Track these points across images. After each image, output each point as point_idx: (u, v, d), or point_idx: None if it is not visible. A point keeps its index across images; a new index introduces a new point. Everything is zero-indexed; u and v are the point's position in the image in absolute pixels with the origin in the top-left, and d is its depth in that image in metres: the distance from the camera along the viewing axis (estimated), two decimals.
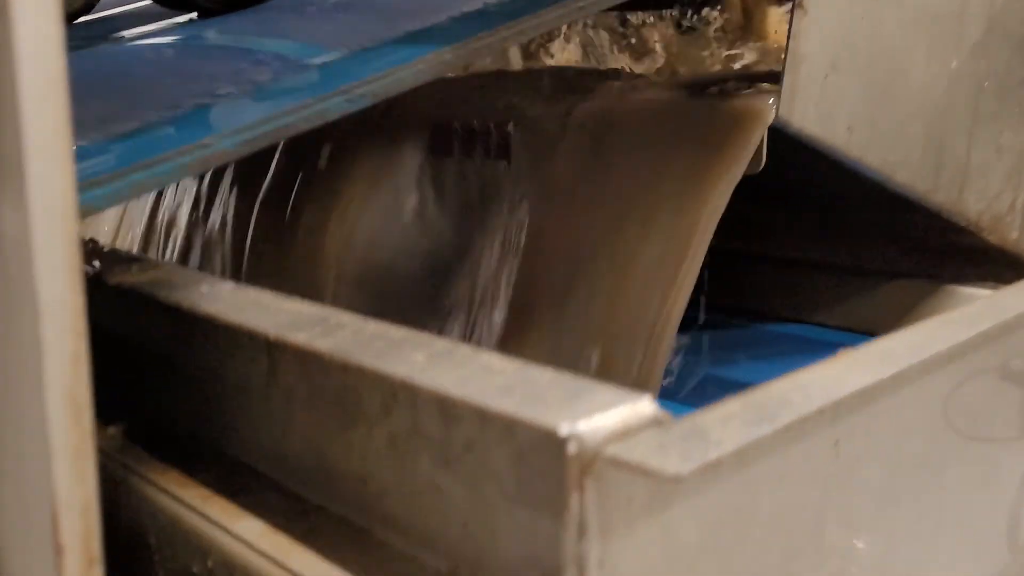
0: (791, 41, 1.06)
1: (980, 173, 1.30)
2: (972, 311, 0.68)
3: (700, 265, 0.99)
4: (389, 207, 1.23)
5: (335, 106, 0.73)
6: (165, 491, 0.67)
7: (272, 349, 0.62)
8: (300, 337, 0.55)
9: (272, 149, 1.26)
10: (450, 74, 1.30)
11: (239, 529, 0.62)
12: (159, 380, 0.79)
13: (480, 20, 0.90)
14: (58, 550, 0.36)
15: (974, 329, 0.63)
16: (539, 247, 1.07)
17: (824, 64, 1.11)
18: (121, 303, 0.74)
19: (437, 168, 1.20)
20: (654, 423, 0.44)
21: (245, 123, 0.68)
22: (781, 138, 1.07)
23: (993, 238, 1.36)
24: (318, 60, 0.80)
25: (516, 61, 1.51)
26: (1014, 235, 1.38)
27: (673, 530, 0.45)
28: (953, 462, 0.67)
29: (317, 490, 0.66)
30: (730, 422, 0.44)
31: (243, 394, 0.71)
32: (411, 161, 1.22)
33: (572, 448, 0.40)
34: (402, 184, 1.23)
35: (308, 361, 0.59)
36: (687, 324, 1.19)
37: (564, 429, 0.41)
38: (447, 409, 0.51)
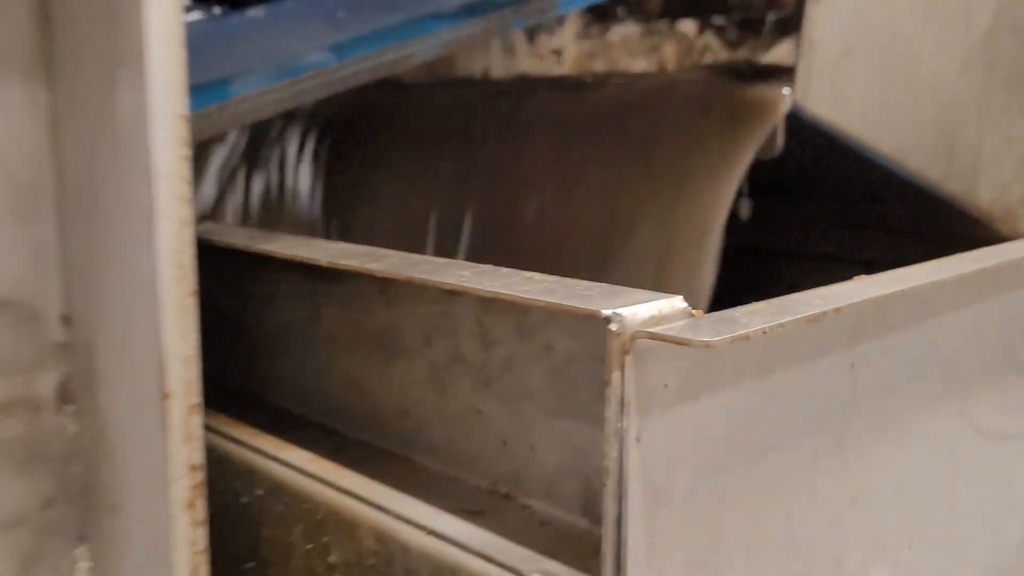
0: (805, 27, 1.10)
1: (992, 163, 1.33)
2: (974, 255, 0.72)
3: (722, 230, 1.03)
4: None
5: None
6: (214, 430, 0.71)
7: (318, 282, 0.66)
8: (351, 262, 0.59)
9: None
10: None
11: (287, 457, 0.66)
12: (211, 335, 0.82)
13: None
14: (164, 396, 0.40)
15: (976, 265, 0.66)
16: (579, 212, 1.11)
17: (837, 49, 1.15)
18: None
19: None
20: (686, 314, 0.47)
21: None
22: (800, 135, 1.11)
23: (1004, 229, 1.39)
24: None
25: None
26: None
27: (702, 416, 0.48)
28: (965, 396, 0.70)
29: (358, 426, 0.69)
30: (756, 314, 0.47)
31: (287, 338, 0.75)
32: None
33: (614, 326, 0.44)
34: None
35: (354, 293, 0.63)
36: None
37: (606, 311, 0.44)
38: (493, 316, 0.54)
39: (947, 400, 0.71)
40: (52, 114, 0.43)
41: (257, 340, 0.78)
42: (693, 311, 0.48)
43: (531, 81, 1.32)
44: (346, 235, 1.34)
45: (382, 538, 0.58)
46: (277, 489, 0.66)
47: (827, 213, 1.48)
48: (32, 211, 0.45)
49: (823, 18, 1.12)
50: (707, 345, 0.42)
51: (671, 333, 0.43)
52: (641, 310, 0.46)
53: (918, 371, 0.66)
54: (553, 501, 0.56)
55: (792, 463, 0.56)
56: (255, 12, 1.11)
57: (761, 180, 1.18)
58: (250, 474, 0.68)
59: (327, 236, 1.35)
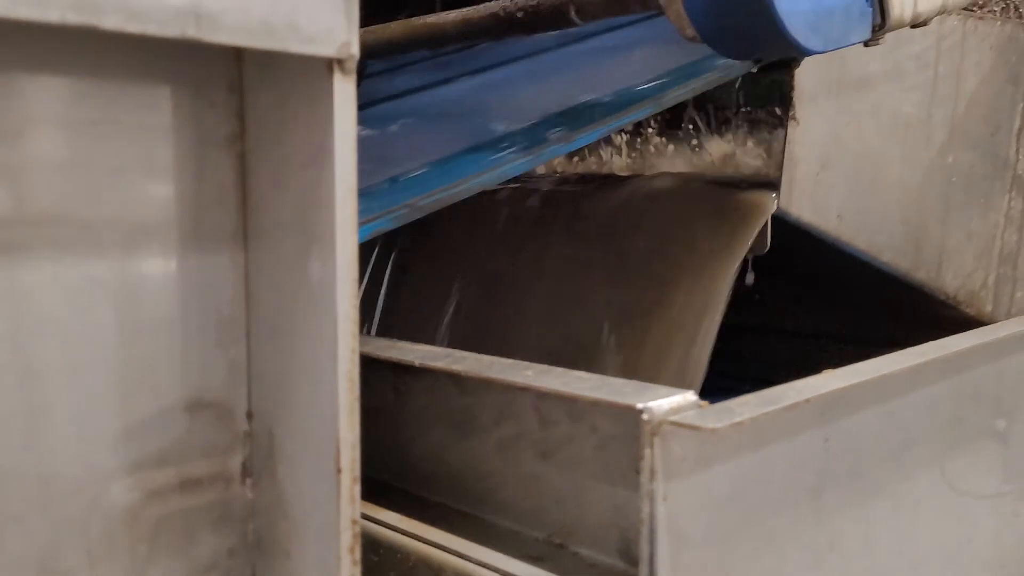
0: (788, 146, 1.30)
1: (955, 254, 1.52)
2: (933, 345, 0.89)
3: (717, 325, 1.20)
4: None
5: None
6: None
7: (406, 376, 0.84)
8: (438, 363, 0.77)
9: None
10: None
11: (382, 517, 0.82)
12: None
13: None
14: (338, 471, 0.57)
15: (937, 354, 0.84)
16: (570, 309, 1.29)
17: (816, 164, 1.34)
18: None
19: None
20: (696, 405, 0.65)
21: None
22: (787, 228, 1.29)
23: (971, 311, 1.57)
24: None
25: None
26: (988, 308, 1.59)
27: (712, 481, 0.66)
28: (926, 468, 0.88)
29: (437, 491, 0.86)
30: (747, 404, 0.65)
31: (378, 417, 0.91)
32: None
33: (646, 416, 0.62)
34: None
35: (439, 383, 0.81)
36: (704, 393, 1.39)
37: (640, 405, 0.62)
38: (550, 405, 0.72)
39: (909, 464, 0.88)
40: (246, 269, 0.62)
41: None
42: (700, 403, 0.66)
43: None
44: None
45: None
46: (374, 544, 0.82)
47: (811, 297, 1.66)
48: (231, 337, 0.63)
49: (803, 139, 1.32)
50: (713, 431, 0.60)
51: (688, 421, 0.61)
52: (664, 403, 0.63)
53: (882, 441, 0.84)
54: (598, 549, 0.73)
55: (780, 515, 0.73)
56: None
57: (755, 269, 1.37)
58: None
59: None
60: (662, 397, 0.64)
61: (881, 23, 0.97)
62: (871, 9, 0.96)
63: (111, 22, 0.46)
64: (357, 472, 0.59)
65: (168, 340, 0.60)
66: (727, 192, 1.33)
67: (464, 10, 1.17)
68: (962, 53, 1.43)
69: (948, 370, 0.91)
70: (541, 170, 1.64)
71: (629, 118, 1.13)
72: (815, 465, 0.76)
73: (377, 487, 0.90)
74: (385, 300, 1.49)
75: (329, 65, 0.54)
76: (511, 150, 1.03)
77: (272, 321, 0.62)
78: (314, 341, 0.58)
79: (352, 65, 0.55)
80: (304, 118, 0.57)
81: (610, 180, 1.53)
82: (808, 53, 0.92)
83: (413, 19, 1.24)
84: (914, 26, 1.05)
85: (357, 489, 0.59)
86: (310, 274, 0.57)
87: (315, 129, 0.56)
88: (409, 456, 0.88)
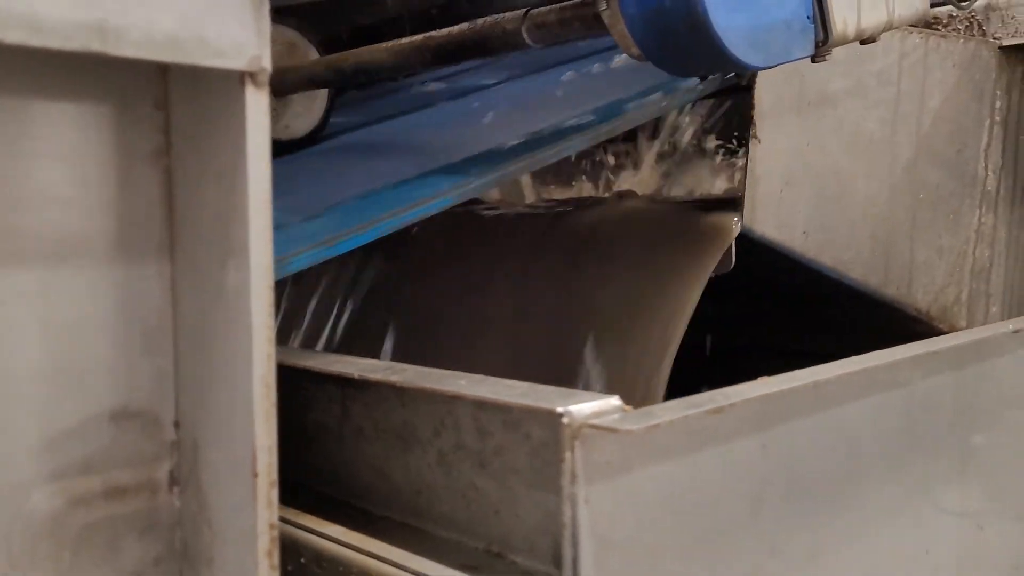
0: (749, 164, 1.31)
1: (925, 271, 1.52)
2: (881, 354, 0.90)
3: (679, 342, 1.21)
4: None
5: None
6: None
7: (351, 390, 0.85)
8: (377, 375, 0.78)
9: None
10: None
11: (327, 531, 0.83)
12: None
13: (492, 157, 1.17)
14: (254, 475, 0.58)
15: (878, 362, 0.85)
16: (536, 328, 1.30)
17: (779, 181, 1.35)
18: None
19: None
20: (620, 410, 0.66)
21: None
22: (757, 248, 1.30)
23: (944, 326, 1.57)
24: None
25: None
26: (963, 323, 1.59)
27: (637, 485, 0.66)
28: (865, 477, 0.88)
29: (381, 504, 0.87)
30: (669, 408, 0.66)
31: (323, 435, 0.92)
32: None
33: (566, 420, 0.62)
34: None
35: (382, 396, 0.82)
36: None
37: (560, 409, 0.63)
38: (483, 413, 0.73)
39: (857, 474, 0.88)
40: (172, 280, 0.63)
41: (300, 438, 0.97)
42: (624, 407, 0.66)
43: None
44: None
45: None
46: (317, 557, 0.83)
47: (779, 315, 1.67)
48: (157, 347, 0.64)
49: (764, 156, 1.33)
50: (630, 433, 0.60)
51: (605, 423, 0.61)
52: (586, 407, 0.64)
53: (827, 450, 0.84)
54: (533, 557, 0.74)
55: (715, 521, 0.73)
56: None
57: (721, 289, 1.38)
58: (294, 546, 0.85)
59: None
60: (584, 401, 0.65)
61: (824, 39, 0.98)
62: (813, 25, 0.98)
63: (14, 36, 0.48)
64: (274, 476, 0.60)
65: (93, 350, 0.62)
66: (692, 214, 1.34)
67: (424, 35, 1.19)
68: (925, 70, 1.45)
69: (897, 379, 0.91)
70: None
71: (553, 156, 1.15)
72: (753, 472, 0.76)
73: (325, 501, 0.91)
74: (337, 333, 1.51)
75: (241, 78, 0.56)
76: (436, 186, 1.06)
77: (196, 331, 0.63)
78: (231, 348, 0.59)
79: (264, 78, 0.57)
80: (221, 131, 0.58)
81: (580, 203, 1.55)
82: (749, 68, 0.94)
83: (371, 47, 1.26)
84: (862, 42, 1.07)
85: (275, 493, 0.60)
86: (227, 283, 0.58)
87: (230, 141, 0.57)
88: (355, 470, 0.89)
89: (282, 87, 1.44)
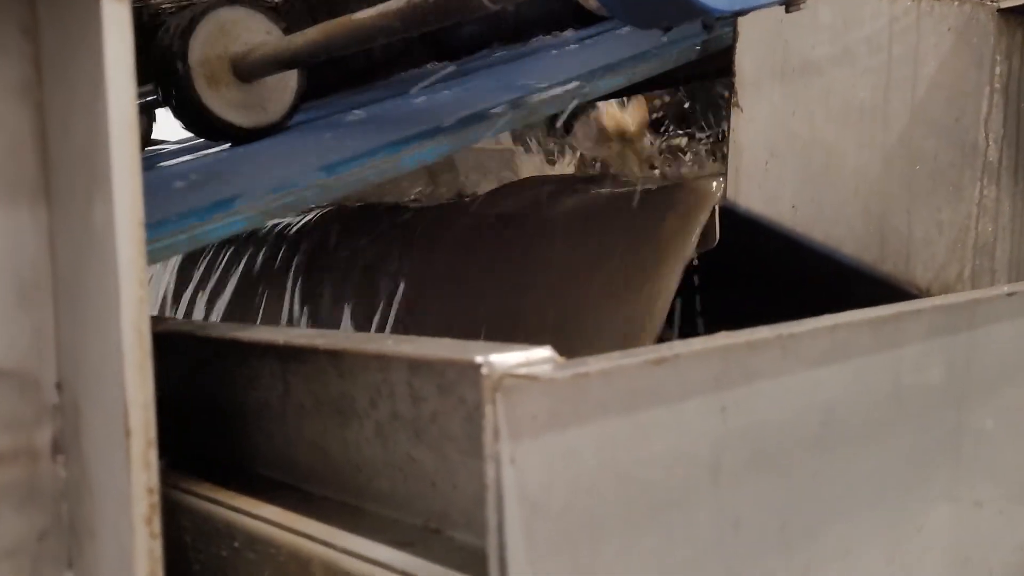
0: (731, 134, 1.24)
1: (924, 246, 1.45)
2: (861, 311, 0.83)
3: (663, 318, 1.14)
4: None
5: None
6: (198, 495, 0.82)
7: (285, 358, 0.79)
8: (303, 340, 0.72)
9: None
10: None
11: (261, 512, 0.77)
12: (198, 419, 0.95)
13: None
14: (127, 433, 0.52)
15: (847, 319, 0.78)
16: (520, 308, 1.24)
17: (763, 152, 1.29)
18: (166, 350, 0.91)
19: None
20: (550, 360, 0.59)
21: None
22: (746, 226, 1.24)
23: None
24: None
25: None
26: None
27: (572, 444, 0.60)
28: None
29: (321, 484, 0.81)
30: (608, 358, 0.59)
31: (263, 412, 0.87)
32: None
33: (485, 370, 0.56)
34: None
35: (312, 363, 0.76)
36: None
37: (480, 359, 0.57)
38: (414, 370, 0.67)
39: (836, 444, 0.81)
40: (49, 228, 0.58)
41: (239, 417, 0.91)
42: (557, 358, 0.60)
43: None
44: None
45: (330, 569, 0.68)
46: (250, 540, 0.77)
47: (770, 296, 1.59)
48: (34, 302, 0.58)
49: (747, 126, 1.26)
50: (553, 381, 0.54)
51: (527, 372, 0.55)
52: (510, 357, 0.58)
53: (800, 416, 0.77)
54: (470, 530, 0.67)
55: (666, 489, 0.66)
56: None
57: (707, 271, 1.31)
58: (228, 529, 0.79)
59: None
60: (512, 352, 0.58)
61: None
62: None
63: None
64: (152, 435, 0.54)
65: None
66: (673, 187, 1.28)
67: (380, 5, 1.14)
68: (918, 35, 1.38)
69: (877, 340, 0.84)
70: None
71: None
72: (712, 436, 0.70)
73: (263, 483, 0.85)
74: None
75: None
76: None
77: (71, 282, 0.57)
78: (102, 293, 0.53)
79: None
80: (83, 53, 0.53)
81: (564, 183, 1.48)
82: (712, 14, 0.87)
83: (332, 20, 1.21)
84: None
85: (153, 454, 0.54)
86: (94, 221, 0.53)
87: (91, 62, 0.52)
88: (295, 450, 0.83)
89: (250, 69, 1.39)
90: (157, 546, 0.53)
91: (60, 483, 0.60)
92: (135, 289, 0.51)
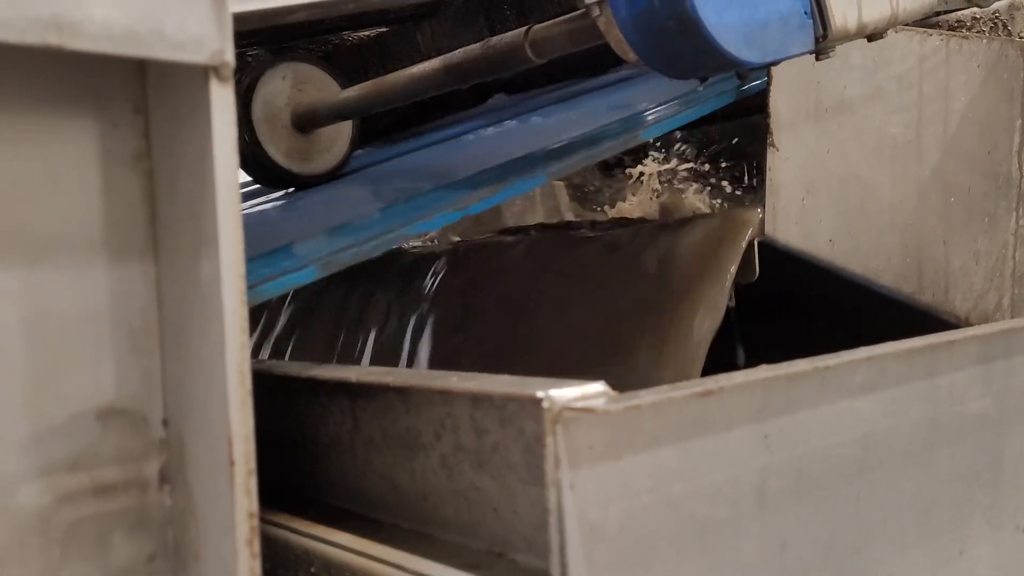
0: (768, 173, 1.29)
1: (962, 276, 1.48)
2: (900, 343, 0.87)
3: (707, 348, 1.19)
4: None
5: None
6: (276, 524, 0.88)
7: (355, 395, 0.85)
8: (371, 377, 0.78)
9: None
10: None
11: (336, 539, 0.83)
12: (271, 453, 1.01)
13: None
14: (231, 463, 0.59)
15: (893, 350, 0.82)
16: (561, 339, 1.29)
17: (800, 190, 1.34)
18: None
19: None
20: (604, 394, 0.65)
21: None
22: (785, 260, 1.28)
23: None
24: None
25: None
26: None
27: (627, 472, 0.65)
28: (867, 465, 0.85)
29: (389, 513, 0.86)
30: (657, 391, 0.65)
31: (334, 449, 0.93)
32: None
33: (546, 404, 0.62)
34: None
35: (381, 399, 0.82)
36: None
37: (540, 394, 0.62)
38: (478, 411, 0.72)
39: (877, 470, 0.85)
40: (157, 281, 0.65)
41: (313, 451, 0.97)
42: (610, 392, 0.65)
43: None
44: None
45: None
46: (326, 565, 0.83)
47: (811, 328, 1.63)
48: (143, 347, 0.65)
49: (783, 164, 1.31)
50: (607, 413, 0.60)
51: (583, 405, 0.61)
52: (568, 392, 0.64)
53: (840, 443, 0.82)
54: (531, 553, 0.72)
55: (714, 512, 0.71)
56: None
57: (749, 302, 1.35)
58: (306, 556, 0.85)
59: None
60: (568, 387, 0.64)
61: (824, 34, 0.98)
62: (811, 20, 0.97)
63: None
64: (252, 465, 0.60)
65: (78, 350, 0.63)
66: (713, 217, 1.33)
67: (439, 57, 1.21)
68: (948, 72, 1.43)
69: (914, 371, 0.88)
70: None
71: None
72: (756, 463, 0.74)
73: (337, 513, 0.91)
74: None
75: (205, 72, 0.58)
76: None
77: (178, 328, 0.64)
78: (208, 340, 0.60)
79: (228, 72, 0.58)
80: (190, 127, 0.60)
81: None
82: (745, 65, 0.93)
83: (384, 77, 1.29)
84: (869, 38, 1.06)
85: (253, 482, 0.60)
86: (201, 274, 0.60)
87: (198, 135, 0.59)
88: (365, 481, 0.89)
89: (312, 121, 1.48)
90: (257, 566, 0.60)
91: (166, 511, 0.66)
92: (238, 335, 0.58)
